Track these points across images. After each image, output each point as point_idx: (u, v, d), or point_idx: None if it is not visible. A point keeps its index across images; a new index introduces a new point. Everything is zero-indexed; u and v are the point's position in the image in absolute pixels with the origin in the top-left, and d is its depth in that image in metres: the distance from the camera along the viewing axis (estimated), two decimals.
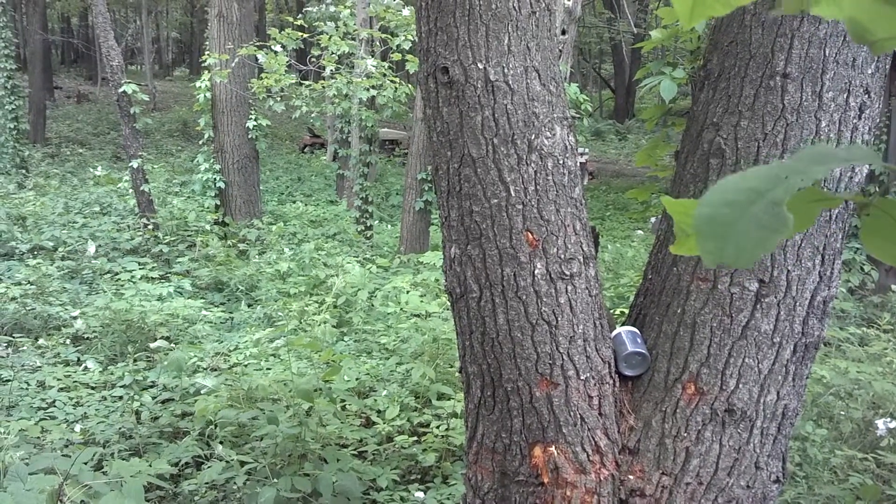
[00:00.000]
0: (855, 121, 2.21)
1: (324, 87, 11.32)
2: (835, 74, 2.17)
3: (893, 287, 8.66)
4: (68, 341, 7.22)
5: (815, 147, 0.70)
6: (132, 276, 8.90)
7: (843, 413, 5.00)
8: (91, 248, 10.01)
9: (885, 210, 0.73)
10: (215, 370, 6.42)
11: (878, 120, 2.30)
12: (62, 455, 4.18)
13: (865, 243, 0.76)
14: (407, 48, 10.92)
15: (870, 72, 2.21)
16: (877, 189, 10.23)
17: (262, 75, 11.03)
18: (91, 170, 16.11)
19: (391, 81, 11.20)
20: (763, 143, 2.20)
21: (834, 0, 0.70)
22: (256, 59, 11.14)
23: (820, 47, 2.16)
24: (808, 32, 2.17)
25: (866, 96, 2.21)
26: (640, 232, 14.05)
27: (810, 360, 2.30)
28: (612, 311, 3.17)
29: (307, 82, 11.51)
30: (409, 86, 11.44)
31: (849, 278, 9.28)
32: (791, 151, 2.18)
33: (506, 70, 2.19)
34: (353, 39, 11.45)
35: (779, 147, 2.19)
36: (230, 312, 8.60)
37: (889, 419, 4.61)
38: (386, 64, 11.20)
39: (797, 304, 2.21)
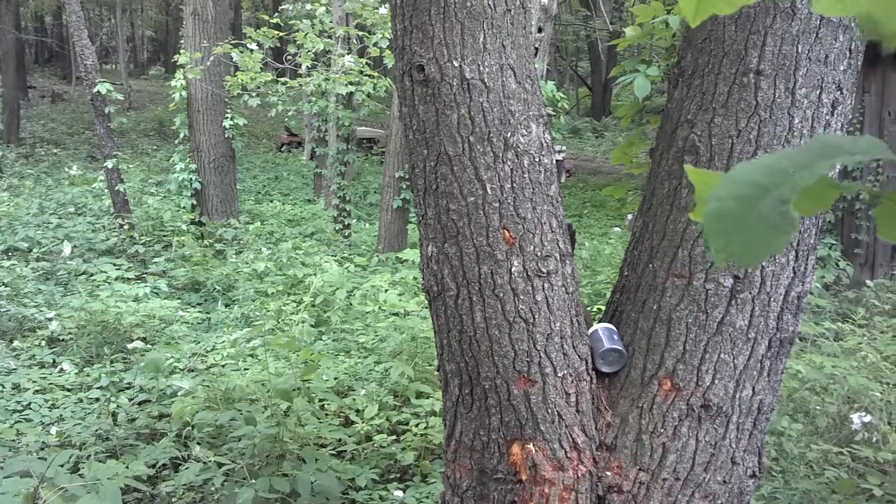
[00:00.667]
0: (828, 117, 2.22)
1: (301, 84, 11.27)
2: (807, 71, 2.19)
3: (868, 282, 8.74)
4: (43, 343, 7.15)
5: (822, 139, 0.70)
6: (108, 277, 8.83)
7: (818, 408, 5.04)
8: (66, 248, 9.92)
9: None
10: (192, 371, 6.38)
11: (850, 116, 2.32)
12: (38, 458, 4.14)
13: (881, 231, 0.75)
14: (384, 46, 10.89)
15: (842, 68, 2.22)
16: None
17: (238, 73, 10.97)
18: (66, 170, 15.96)
19: (368, 76, 11.16)
20: (737, 140, 2.22)
21: None
22: (232, 58, 11.07)
23: (793, 44, 2.18)
24: (781, 29, 2.18)
25: (839, 93, 2.23)
26: (616, 229, 14.09)
27: (785, 356, 2.31)
28: (589, 309, 3.18)
29: (283, 79, 11.46)
30: (388, 80, 11.41)
31: (824, 274, 9.35)
32: (765, 148, 2.20)
33: (481, 68, 2.19)
34: (330, 37, 11.41)
35: (752, 144, 2.20)
36: (207, 313, 8.55)
37: (864, 413, 4.66)
38: (364, 60, 11.16)
39: (771, 299, 2.22)
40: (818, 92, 2.20)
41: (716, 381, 2.22)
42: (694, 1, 0.76)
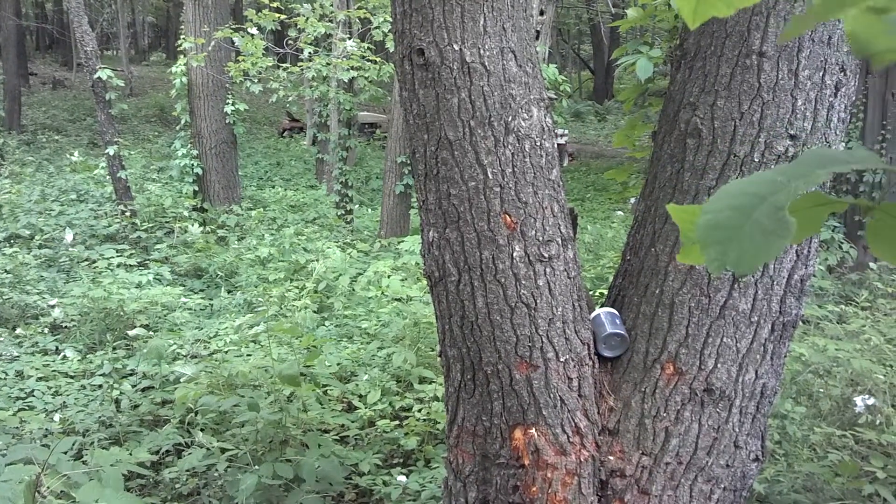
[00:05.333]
0: (831, 99, 2.21)
1: (302, 69, 11.22)
2: (811, 52, 2.17)
3: (871, 265, 8.72)
4: (46, 330, 7.16)
5: (817, 150, 0.70)
6: (110, 264, 8.82)
7: (821, 390, 5.04)
8: (68, 235, 9.91)
9: (890, 213, 0.73)
10: (195, 357, 6.38)
11: (853, 98, 2.30)
12: (41, 445, 4.15)
13: (871, 245, 0.75)
14: (386, 30, 10.84)
15: (846, 49, 2.20)
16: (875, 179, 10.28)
17: (239, 58, 10.93)
18: (67, 156, 15.91)
19: (371, 62, 11.11)
20: (740, 123, 2.20)
21: (837, 8, 0.70)
22: (233, 43, 11.03)
23: None
24: (784, 10, 2.16)
25: (842, 74, 2.21)
26: (619, 213, 14.08)
27: (788, 339, 2.30)
28: (592, 293, 3.18)
29: (285, 65, 11.41)
30: (391, 65, 11.35)
31: (827, 256, 9.33)
32: (768, 130, 2.18)
33: (482, 51, 2.17)
34: (331, 21, 11.36)
35: (755, 126, 2.18)
36: (210, 299, 8.55)
37: (867, 396, 4.65)
38: (366, 45, 11.11)
39: (774, 283, 2.21)
40: (821, 73, 2.18)
41: (718, 365, 2.22)
42: (692, 4, 0.75)
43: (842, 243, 9.66)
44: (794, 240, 0.65)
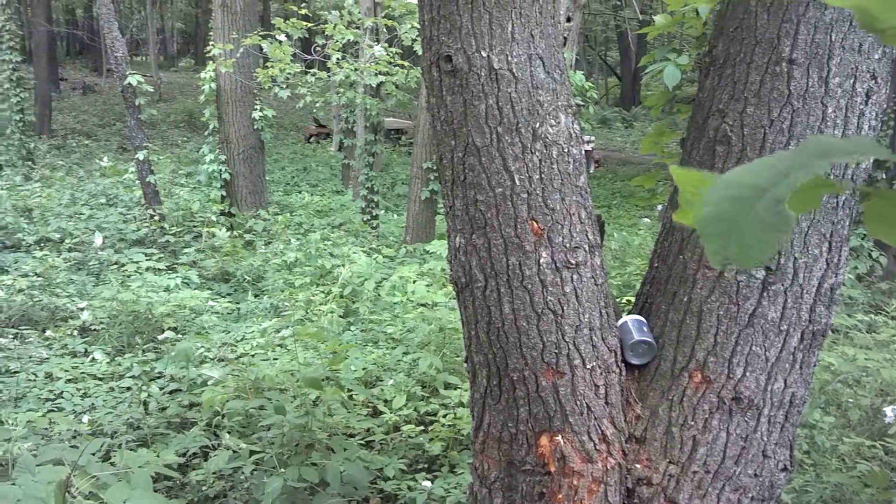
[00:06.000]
0: (861, 106, 2.19)
1: (329, 74, 11.28)
2: (841, 60, 2.15)
3: None
4: (75, 332, 7.24)
5: (818, 139, 0.69)
6: (139, 268, 8.91)
7: (850, 400, 4.99)
8: (98, 239, 10.02)
9: (887, 198, 0.73)
10: (222, 361, 6.43)
11: (884, 105, 2.28)
12: (70, 446, 4.19)
13: (869, 228, 0.75)
14: (413, 36, 10.87)
15: (876, 57, 2.19)
16: (884, 175, 10.18)
17: (268, 64, 11.01)
18: (97, 161, 16.11)
19: (399, 66, 11.14)
20: (769, 130, 2.19)
21: None
22: (261, 49, 11.11)
23: (826, 32, 2.14)
24: (814, 18, 2.15)
25: (873, 82, 2.19)
26: (646, 220, 14.02)
27: (818, 348, 2.28)
28: (618, 300, 3.17)
29: (312, 70, 11.48)
30: (420, 69, 11.37)
31: (856, 265, 9.24)
32: (798, 138, 2.17)
33: (509, 58, 2.18)
34: (358, 28, 11.41)
35: (785, 134, 2.17)
36: (237, 303, 8.61)
37: None
38: (394, 50, 11.15)
39: (804, 291, 2.20)
40: (852, 81, 2.17)
41: (747, 374, 2.20)
42: None
43: (871, 252, 9.57)
44: (790, 232, 0.64)
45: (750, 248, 0.64)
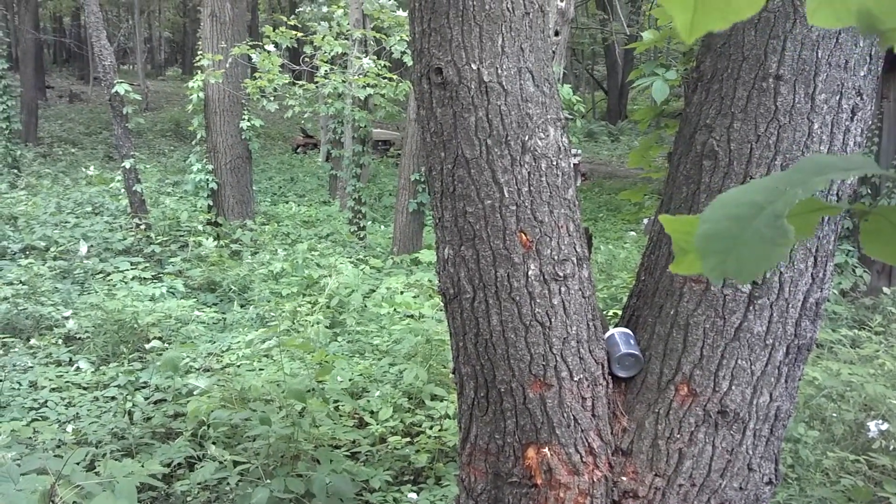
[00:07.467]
0: (847, 123, 2.21)
1: (318, 85, 11.29)
2: (827, 76, 2.18)
3: (885, 289, 8.69)
4: (60, 341, 7.20)
5: (814, 157, 0.70)
6: (124, 277, 8.87)
7: (835, 415, 5.01)
8: (83, 247, 9.98)
9: (885, 216, 0.73)
10: (208, 371, 6.41)
11: (870, 122, 2.31)
12: (54, 455, 4.17)
13: (865, 247, 0.76)
14: (402, 49, 10.90)
15: (862, 74, 2.21)
16: (868, 191, 10.26)
17: (256, 75, 11.02)
18: (83, 169, 16.04)
19: (387, 79, 11.16)
20: (756, 145, 2.21)
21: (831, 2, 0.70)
22: (250, 59, 11.11)
23: (812, 49, 2.17)
24: (801, 34, 2.18)
25: (859, 98, 2.22)
26: (632, 233, 14.06)
27: (803, 362, 2.30)
28: (605, 313, 3.18)
29: (301, 82, 11.49)
30: (408, 82, 11.41)
31: (841, 280, 9.30)
32: (784, 153, 2.19)
33: (499, 71, 2.19)
34: (347, 39, 11.43)
35: (771, 149, 2.19)
36: (223, 313, 8.58)
37: (881, 421, 4.63)
38: (382, 62, 11.18)
39: (790, 305, 2.21)
40: (838, 97, 2.19)
41: (733, 387, 2.22)
42: (689, 18, 0.75)
43: (855, 267, 9.63)
44: (790, 246, 0.65)
45: (749, 263, 0.65)
